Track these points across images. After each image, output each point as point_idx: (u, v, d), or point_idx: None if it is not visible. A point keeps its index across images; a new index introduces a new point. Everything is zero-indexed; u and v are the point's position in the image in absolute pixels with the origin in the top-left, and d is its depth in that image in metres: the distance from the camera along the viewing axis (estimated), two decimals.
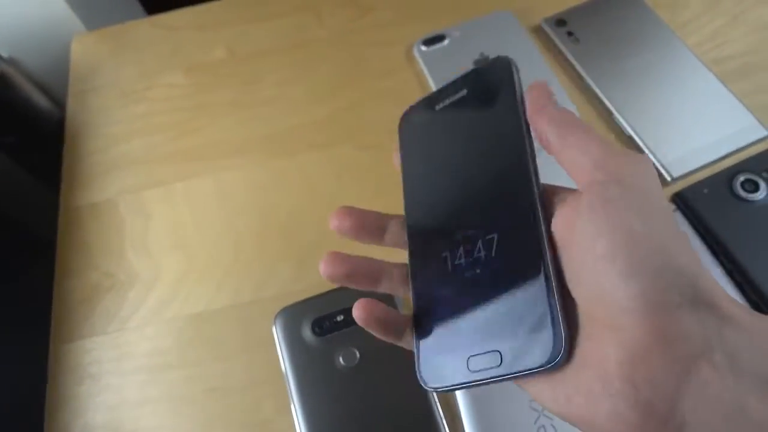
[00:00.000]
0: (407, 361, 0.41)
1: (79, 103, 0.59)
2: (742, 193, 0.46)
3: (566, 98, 0.53)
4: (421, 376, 0.26)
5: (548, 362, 0.22)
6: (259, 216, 0.50)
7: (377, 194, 0.50)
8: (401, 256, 0.29)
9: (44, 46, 0.65)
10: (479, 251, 0.26)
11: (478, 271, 0.25)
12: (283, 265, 0.48)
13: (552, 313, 0.22)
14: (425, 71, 0.56)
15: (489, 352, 0.24)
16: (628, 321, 0.20)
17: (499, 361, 0.23)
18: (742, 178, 0.46)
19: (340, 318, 0.43)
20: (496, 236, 0.25)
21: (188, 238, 0.50)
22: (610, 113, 0.52)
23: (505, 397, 0.39)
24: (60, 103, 0.65)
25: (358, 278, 0.29)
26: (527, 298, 0.23)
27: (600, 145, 0.23)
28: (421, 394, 0.40)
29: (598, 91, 0.53)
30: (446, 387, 0.25)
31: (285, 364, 0.42)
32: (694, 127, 0.50)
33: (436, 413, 0.40)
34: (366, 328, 0.27)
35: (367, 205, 0.49)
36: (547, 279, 0.23)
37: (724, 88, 0.51)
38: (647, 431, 0.19)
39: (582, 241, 0.22)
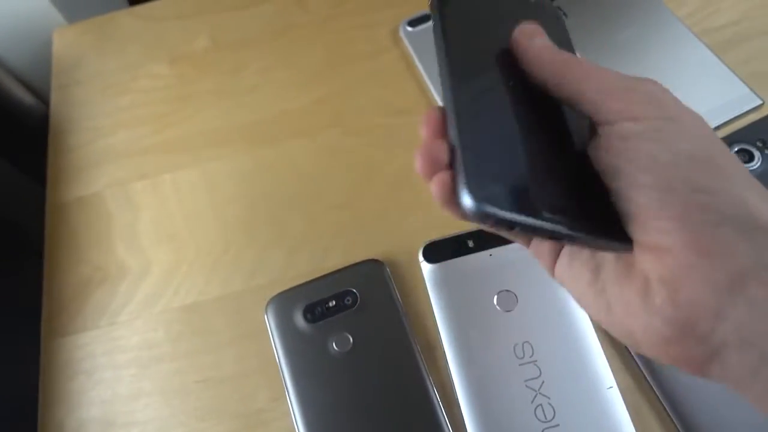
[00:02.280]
0: (400, 346, 0.41)
1: (62, 97, 0.58)
2: None
3: None
4: (469, 191, 0.20)
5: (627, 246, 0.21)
6: (248, 205, 0.50)
7: (367, 179, 0.50)
8: None
9: (25, 40, 0.64)
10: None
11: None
12: (273, 253, 0.47)
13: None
14: (412, 52, 0.55)
15: (572, 203, 0.22)
16: (669, 242, 0.19)
17: (584, 223, 0.21)
18: (736, 148, 0.46)
19: (332, 304, 0.42)
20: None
21: (177, 229, 0.49)
22: None
23: (501, 377, 0.39)
24: (43, 98, 0.64)
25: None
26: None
27: (605, 79, 0.23)
28: (416, 378, 0.40)
29: None
30: (498, 217, 0.20)
31: (278, 352, 0.42)
32: (686, 98, 0.48)
33: (433, 396, 0.39)
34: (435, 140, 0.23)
35: (357, 190, 0.49)
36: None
37: (716, 58, 0.50)
38: (683, 347, 0.19)
39: (627, 162, 0.21)
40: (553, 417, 0.38)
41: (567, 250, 0.24)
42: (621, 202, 0.21)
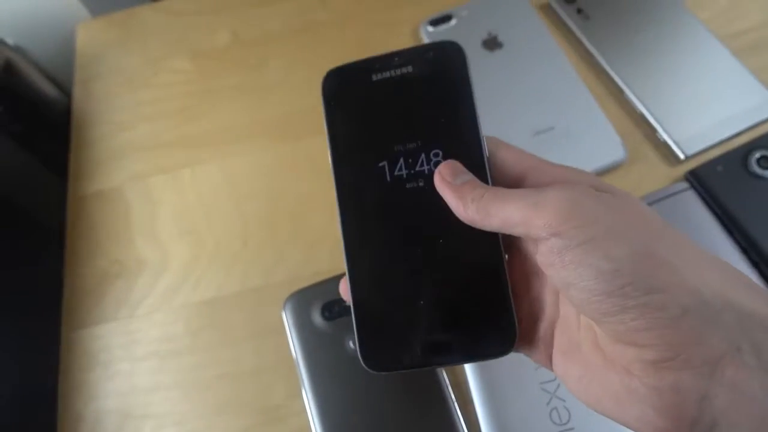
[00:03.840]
0: None
1: (84, 91, 0.58)
2: (758, 170, 0.45)
3: (576, 77, 0.52)
4: (364, 359, 0.25)
5: (500, 353, 0.23)
6: (267, 201, 0.50)
7: None
8: None
9: (50, 33, 0.64)
10: (427, 237, 0.25)
11: (425, 249, 0.25)
12: (291, 250, 0.48)
13: (506, 301, 0.23)
14: None
15: (441, 339, 0.24)
16: (642, 339, 0.20)
17: (452, 349, 0.24)
18: (757, 154, 0.45)
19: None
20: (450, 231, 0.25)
21: (196, 224, 0.50)
22: (621, 91, 0.51)
23: (517, 379, 0.39)
24: (66, 91, 0.65)
25: None
26: (482, 284, 0.24)
27: (524, 203, 0.22)
28: (432, 377, 0.40)
29: (608, 68, 0.52)
30: (392, 370, 0.25)
31: (295, 348, 0.42)
32: (707, 103, 0.49)
33: (448, 396, 0.39)
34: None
35: None
36: (501, 271, 0.24)
37: (738, 63, 0.50)
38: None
39: (571, 290, 0.21)
40: (568, 420, 0.38)
41: (557, 349, 0.24)
42: (585, 308, 0.21)
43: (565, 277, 0.21)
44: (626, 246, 0.20)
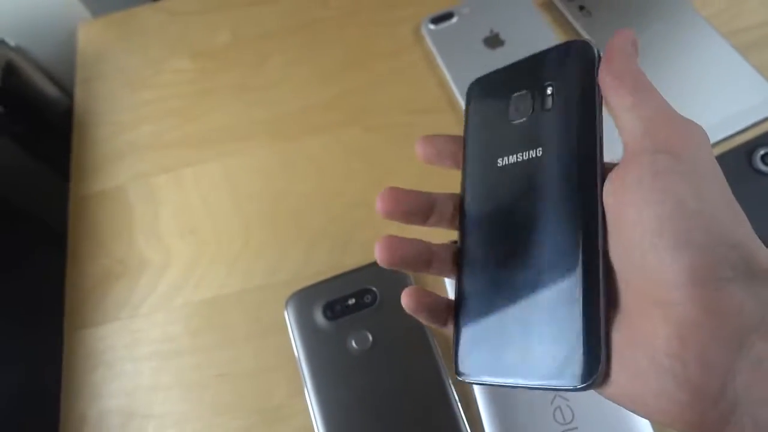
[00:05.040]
0: (420, 344, 0.41)
1: (86, 91, 0.58)
2: (763, 167, 0.45)
3: None
4: (456, 365, 0.26)
5: (581, 386, 0.21)
6: (269, 200, 0.50)
7: (387, 177, 0.49)
8: (441, 235, 0.30)
9: (51, 34, 0.64)
10: (535, 252, 0.24)
11: (530, 271, 0.24)
12: (293, 249, 0.47)
13: (595, 335, 0.21)
14: (434, 50, 0.55)
15: (527, 359, 0.23)
16: (677, 296, 0.19)
17: (536, 371, 0.23)
18: (762, 151, 0.45)
19: (351, 301, 0.42)
20: (552, 240, 0.24)
21: (198, 223, 0.50)
22: None
23: None
24: (68, 91, 0.65)
25: (412, 262, 0.27)
26: (574, 314, 0.22)
27: (655, 110, 0.22)
28: (435, 377, 0.40)
29: None
30: (478, 381, 0.25)
31: (297, 348, 0.42)
32: (711, 100, 0.49)
33: (451, 395, 0.39)
34: (415, 316, 0.27)
35: (377, 187, 0.49)
36: (595, 301, 0.22)
37: (743, 60, 0.50)
38: (696, 411, 0.18)
39: (629, 214, 0.21)
40: (572, 419, 0.38)
41: None
42: (642, 243, 0.20)
43: (647, 200, 0.20)
44: (720, 188, 0.20)
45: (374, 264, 0.44)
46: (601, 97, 0.24)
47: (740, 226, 0.20)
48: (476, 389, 0.39)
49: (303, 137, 0.53)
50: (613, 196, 0.22)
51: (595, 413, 0.38)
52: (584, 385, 0.21)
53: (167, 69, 0.59)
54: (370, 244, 0.46)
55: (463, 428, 0.38)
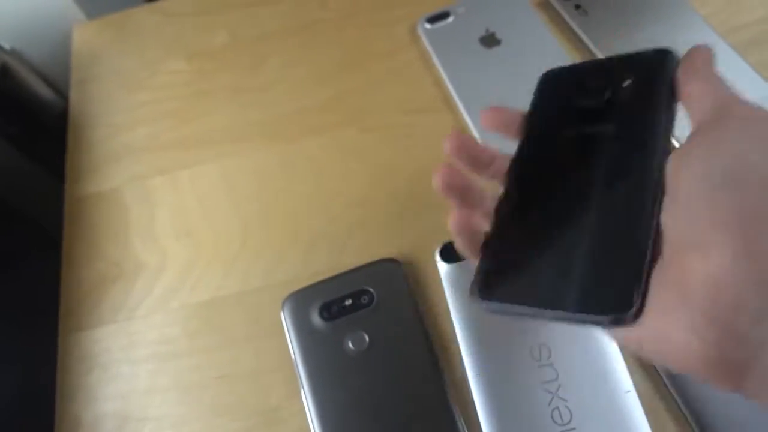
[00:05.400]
0: (417, 345, 0.41)
1: (81, 93, 0.58)
2: None
3: None
4: (478, 287, 0.25)
5: (614, 318, 0.21)
6: (266, 201, 0.50)
7: (384, 177, 0.49)
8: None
9: (46, 36, 0.64)
10: (582, 193, 0.25)
11: (573, 204, 0.25)
12: (290, 250, 0.47)
13: (636, 270, 0.21)
14: (430, 49, 0.55)
15: (559, 287, 0.23)
16: (719, 236, 0.19)
17: (567, 301, 0.22)
18: None
19: (348, 302, 0.42)
20: (601, 186, 0.25)
21: (194, 225, 0.50)
22: None
23: (518, 379, 0.39)
24: (63, 93, 0.64)
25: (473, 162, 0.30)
26: (620, 249, 0.22)
27: (723, 92, 0.23)
28: (432, 377, 0.40)
29: None
30: (500, 309, 0.24)
31: (294, 349, 0.42)
32: None
33: (448, 396, 0.39)
34: (456, 159, 0.29)
35: (375, 187, 0.49)
36: (640, 239, 0.22)
37: (740, 59, 0.50)
38: (722, 349, 0.19)
39: (686, 168, 0.21)
40: (570, 420, 0.37)
41: None
42: (677, 192, 0.21)
43: (704, 151, 0.21)
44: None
45: (371, 265, 0.44)
46: (676, 100, 0.26)
47: None
48: (474, 389, 0.39)
49: (300, 138, 0.53)
50: (674, 159, 0.23)
51: (594, 414, 0.37)
52: (617, 316, 0.21)
53: (163, 70, 0.59)
54: (367, 245, 0.46)
55: (461, 429, 0.38)
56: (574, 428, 0.37)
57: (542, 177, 0.28)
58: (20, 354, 0.49)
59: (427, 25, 0.56)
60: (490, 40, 0.54)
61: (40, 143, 0.60)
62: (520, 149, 0.29)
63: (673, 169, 0.23)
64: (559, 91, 0.31)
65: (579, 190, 0.25)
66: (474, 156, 0.30)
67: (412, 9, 0.58)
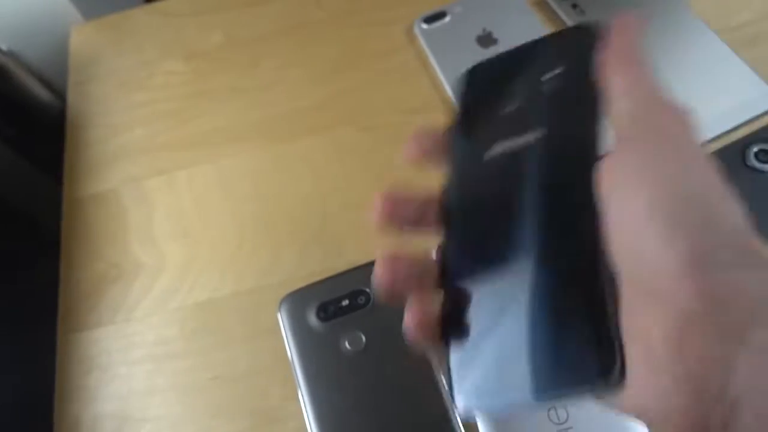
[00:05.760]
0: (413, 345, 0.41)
1: (79, 94, 0.58)
2: (756, 164, 0.44)
3: None
4: (458, 401, 0.23)
5: (602, 383, 0.19)
6: (263, 202, 0.50)
7: (381, 178, 0.49)
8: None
9: (43, 37, 0.64)
10: (529, 251, 0.22)
11: (525, 273, 0.22)
12: (287, 251, 0.47)
13: (605, 328, 0.19)
14: (427, 49, 0.55)
15: (538, 372, 0.21)
16: (673, 284, 0.18)
17: (550, 383, 0.20)
18: (755, 148, 0.45)
19: (345, 303, 0.42)
20: (548, 234, 0.22)
21: (192, 226, 0.50)
22: None
23: None
24: (60, 94, 0.65)
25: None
26: (579, 312, 0.20)
27: (644, 94, 0.22)
28: (428, 377, 0.40)
29: None
30: (489, 412, 0.23)
31: (291, 350, 0.42)
32: (704, 97, 0.48)
33: (445, 396, 0.39)
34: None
35: (372, 187, 0.49)
36: (599, 294, 0.20)
37: (735, 56, 0.49)
38: (700, 413, 0.17)
39: (620, 201, 0.20)
40: (567, 419, 0.37)
41: None
42: (621, 241, 0.20)
43: (637, 186, 0.19)
44: (711, 174, 0.20)
45: (368, 265, 0.44)
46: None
47: (734, 211, 0.19)
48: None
49: (296, 138, 0.53)
50: (604, 185, 0.21)
51: (590, 413, 0.37)
52: (605, 380, 0.19)
53: (160, 71, 0.59)
54: (364, 245, 0.46)
55: (457, 429, 0.38)
56: (571, 427, 0.37)
57: (479, 219, 0.25)
58: (19, 355, 0.49)
59: (424, 25, 0.56)
60: (487, 40, 0.54)
61: (38, 144, 0.61)
62: (449, 181, 0.26)
63: (605, 193, 0.21)
64: (480, 92, 0.28)
65: (523, 233, 0.23)
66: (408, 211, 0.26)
67: (409, 9, 0.58)
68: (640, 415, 0.19)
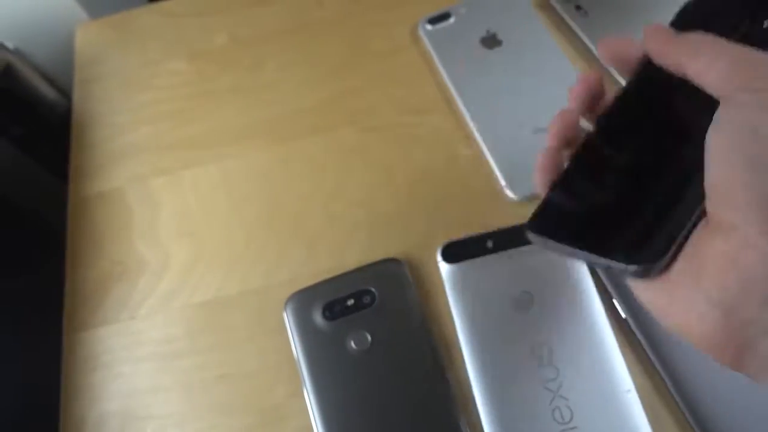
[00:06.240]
0: (419, 345, 0.41)
1: (84, 93, 0.58)
2: None
3: (576, 74, 0.52)
4: (533, 221, 0.27)
5: (639, 267, 0.22)
6: (267, 201, 0.50)
7: (385, 178, 0.50)
8: None
9: (49, 36, 0.64)
10: (644, 159, 0.27)
11: (635, 166, 0.27)
12: (292, 249, 0.48)
13: (677, 231, 0.22)
14: (431, 50, 0.55)
15: (602, 234, 0.25)
16: (738, 219, 0.19)
17: (603, 246, 0.24)
18: None
19: (350, 302, 0.43)
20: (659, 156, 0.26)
21: (196, 225, 0.50)
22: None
23: (519, 378, 0.39)
24: (66, 93, 0.65)
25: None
26: (669, 207, 0.23)
27: (731, 54, 0.22)
28: (435, 377, 0.40)
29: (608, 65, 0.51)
30: (542, 242, 0.26)
31: (297, 349, 0.42)
32: None
33: (450, 396, 0.39)
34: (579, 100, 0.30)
35: (376, 187, 0.49)
36: (690, 210, 0.23)
37: None
38: (725, 332, 0.19)
39: (716, 149, 0.21)
40: (571, 419, 0.38)
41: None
42: (707, 173, 0.21)
43: (730, 132, 0.21)
44: None
45: (373, 265, 0.44)
46: None
47: None
48: (475, 389, 0.39)
49: (301, 138, 0.53)
50: (710, 137, 0.22)
51: (594, 413, 0.38)
52: (641, 267, 0.22)
53: (165, 71, 0.59)
54: (369, 245, 0.46)
55: (463, 429, 0.38)
56: (575, 427, 0.37)
57: (628, 128, 0.29)
58: (24, 353, 0.49)
59: (428, 26, 0.56)
60: (491, 41, 0.54)
61: (43, 143, 0.61)
62: (618, 97, 0.29)
63: (709, 144, 0.22)
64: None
65: (656, 148, 0.27)
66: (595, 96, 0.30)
67: (413, 9, 0.58)
68: (670, 316, 0.22)
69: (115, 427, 0.43)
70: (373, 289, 0.43)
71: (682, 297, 0.21)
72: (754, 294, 0.19)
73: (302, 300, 0.43)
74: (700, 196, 0.22)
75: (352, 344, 0.41)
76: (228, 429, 0.42)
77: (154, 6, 0.63)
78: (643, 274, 0.22)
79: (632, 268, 0.22)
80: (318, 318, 0.42)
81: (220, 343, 0.45)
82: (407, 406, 0.39)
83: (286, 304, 0.43)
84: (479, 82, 0.52)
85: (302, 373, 0.41)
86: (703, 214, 0.22)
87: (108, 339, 0.46)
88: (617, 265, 0.23)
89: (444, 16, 0.56)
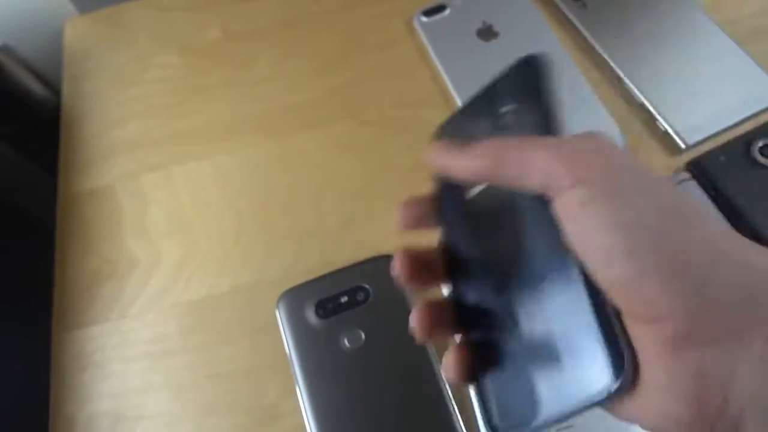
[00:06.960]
0: (413, 342, 0.40)
1: (74, 88, 0.58)
2: (761, 159, 0.44)
3: (573, 65, 0.51)
4: (491, 423, 0.25)
5: (614, 388, 0.19)
6: (259, 197, 0.49)
7: (379, 172, 0.49)
8: None
9: (37, 31, 0.63)
10: (532, 291, 0.23)
11: (530, 311, 0.23)
12: (284, 246, 0.47)
13: (610, 335, 0.20)
14: (426, 43, 0.54)
15: (555, 390, 0.22)
16: (659, 311, 0.18)
17: (568, 397, 0.21)
18: (760, 143, 0.44)
19: (343, 299, 0.42)
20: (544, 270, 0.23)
21: (188, 222, 0.49)
22: (621, 80, 0.49)
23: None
24: (55, 89, 0.64)
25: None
26: (586, 327, 0.21)
27: (548, 150, 0.20)
28: (428, 374, 0.39)
29: (607, 57, 0.51)
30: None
31: (289, 347, 0.41)
32: (708, 91, 0.48)
33: (445, 393, 0.39)
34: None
35: (371, 182, 0.48)
36: (602, 308, 0.20)
37: (740, 50, 0.49)
38: (702, 426, 0.17)
39: (586, 242, 0.19)
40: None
41: None
42: (605, 273, 0.19)
43: (586, 231, 0.19)
44: (653, 199, 0.19)
45: (367, 261, 0.43)
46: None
47: (696, 216, 0.19)
48: (471, 389, 0.38)
49: (294, 133, 0.52)
50: (570, 229, 0.20)
51: (591, 413, 0.37)
52: (617, 385, 0.19)
53: (155, 65, 0.58)
54: (363, 241, 0.46)
55: (458, 426, 0.38)
56: (571, 426, 0.37)
57: (475, 271, 0.27)
58: (13, 353, 0.49)
59: (424, 18, 0.55)
60: (487, 33, 0.53)
61: (33, 139, 0.60)
62: (444, 244, 0.29)
63: (572, 236, 0.20)
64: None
65: (513, 279, 0.24)
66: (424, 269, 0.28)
67: (408, 2, 0.57)
68: (648, 428, 0.20)
69: (106, 427, 0.42)
70: (366, 286, 0.42)
71: (649, 400, 0.19)
72: (710, 380, 0.17)
73: (295, 297, 0.43)
74: (590, 296, 0.20)
75: (346, 342, 0.40)
76: (220, 428, 0.41)
77: (144, 0, 0.62)
78: (619, 391, 0.20)
79: (615, 385, 0.19)
80: (311, 316, 0.41)
81: (212, 342, 0.44)
82: (401, 403, 0.39)
83: (278, 301, 0.43)
84: (475, 75, 0.51)
85: (295, 371, 0.40)
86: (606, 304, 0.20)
87: (98, 338, 0.45)
88: (599, 396, 0.20)
89: (439, 8, 0.55)
